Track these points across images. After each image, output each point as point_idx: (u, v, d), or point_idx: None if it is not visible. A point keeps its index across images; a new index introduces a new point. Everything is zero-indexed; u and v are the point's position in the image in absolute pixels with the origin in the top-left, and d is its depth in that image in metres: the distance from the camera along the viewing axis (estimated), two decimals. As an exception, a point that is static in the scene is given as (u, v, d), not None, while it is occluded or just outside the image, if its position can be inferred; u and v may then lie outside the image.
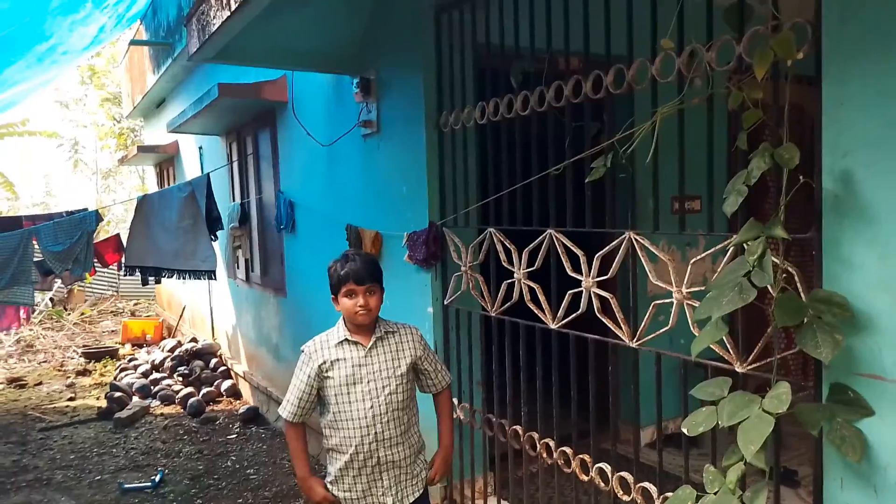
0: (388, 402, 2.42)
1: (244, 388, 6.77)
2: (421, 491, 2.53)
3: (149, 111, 10.47)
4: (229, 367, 7.16)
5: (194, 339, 8.05)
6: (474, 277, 3.18)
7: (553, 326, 2.69)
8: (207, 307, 8.10)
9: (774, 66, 1.75)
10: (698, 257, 2.05)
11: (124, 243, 8.24)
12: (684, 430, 1.85)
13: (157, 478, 4.69)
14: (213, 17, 3.07)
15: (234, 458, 5.13)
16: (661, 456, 2.33)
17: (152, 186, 11.28)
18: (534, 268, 2.79)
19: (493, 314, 3.04)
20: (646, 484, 2.32)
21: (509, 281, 2.91)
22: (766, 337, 1.88)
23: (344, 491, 2.46)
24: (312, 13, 3.55)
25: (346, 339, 2.44)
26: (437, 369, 2.60)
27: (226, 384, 6.88)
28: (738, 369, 1.95)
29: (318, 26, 3.70)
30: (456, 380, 3.28)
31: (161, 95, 9.24)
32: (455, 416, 3.13)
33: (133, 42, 8.02)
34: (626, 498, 2.39)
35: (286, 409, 2.47)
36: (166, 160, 9.62)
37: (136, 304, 14.30)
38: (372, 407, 2.40)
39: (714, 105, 2.06)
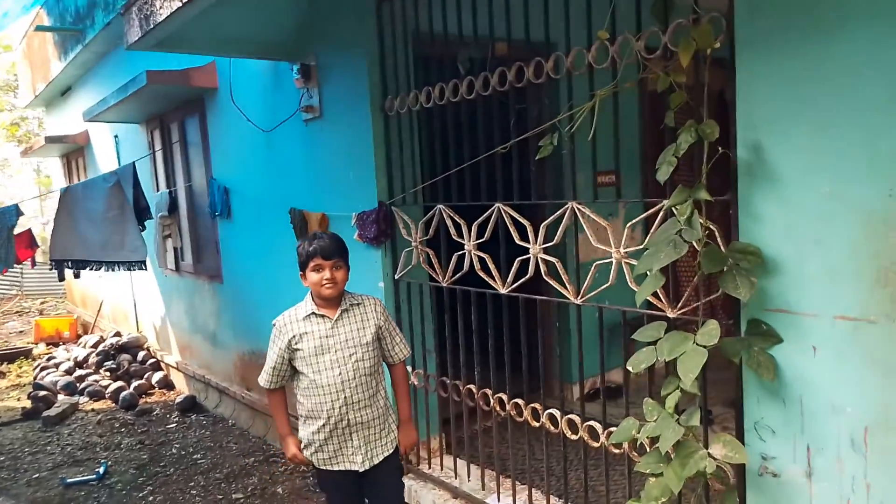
0: (356, 369, 2.61)
1: (178, 379, 6.71)
2: (391, 451, 2.74)
3: (52, 100, 9.97)
4: (159, 358, 7.06)
5: (118, 334, 7.84)
6: (425, 252, 3.40)
7: (503, 291, 2.96)
8: (130, 300, 7.90)
9: (696, 54, 2.06)
10: (636, 220, 2.36)
11: (37, 239, 7.93)
12: (629, 368, 2.15)
13: (102, 470, 4.65)
14: (160, 7, 3.11)
15: (177, 445, 5.14)
16: (604, 397, 2.65)
17: (57, 180, 10.74)
18: (483, 239, 3.04)
19: (445, 284, 3.27)
20: (592, 423, 2.64)
21: (460, 253, 3.15)
22: (692, 285, 2.22)
23: (316, 451, 2.65)
24: (254, 1, 3.63)
25: (314, 313, 2.62)
26: (397, 341, 2.81)
27: (157, 376, 6.79)
28: (671, 315, 2.28)
29: (258, 13, 3.78)
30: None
31: (67, 83, 8.83)
32: (409, 382, 3.35)
33: (40, 28, 7.63)
34: (574, 437, 2.70)
35: (263, 379, 2.66)
36: (75, 151, 9.21)
37: (43, 303, 13.57)
38: (340, 374, 2.59)
39: (625, 91, 2.35)
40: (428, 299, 3.57)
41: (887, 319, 1.73)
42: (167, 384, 6.76)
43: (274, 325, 2.65)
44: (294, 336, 2.59)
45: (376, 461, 2.68)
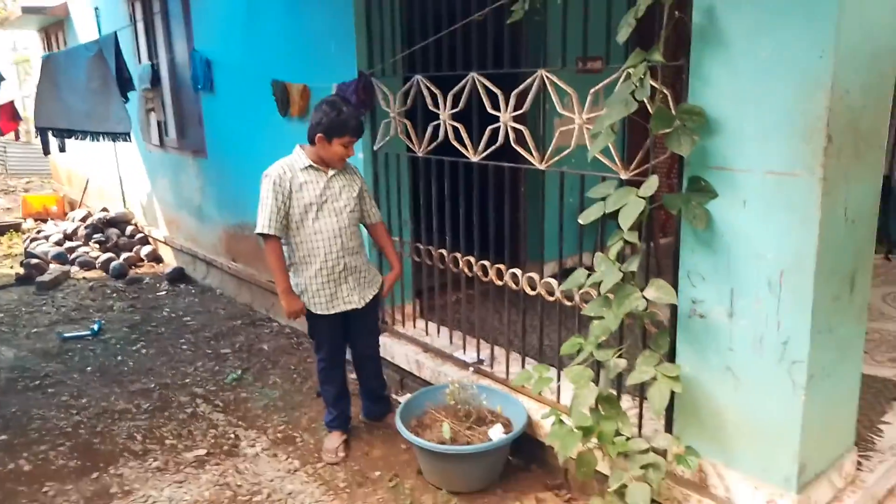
0: (350, 218, 2.91)
1: (166, 252, 6.93)
2: (376, 292, 3.09)
3: (26, -33, 9.56)
4: (147, 233, 7.25)
5: (105, 210, 7.98)
6: (402, 122, 3.53)
7: (475, 160, 3.12)
8: (116, 177, 7.99)
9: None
10: (598, 86, 2.50)
11: (20, 111, 7.89)
12: (580, 221, 2.35)
13: (96, 327, 4.94)
14: None
15: (168, 309, 5.42)
16: (560, 241, 2.88)
17: (36, 58, 10.48)
18: (457, 109, 3.17)
19: (421, 154, 3.42)
20: (549, 279, 2.88)
21: (435, 123, 3.28)
22: (643, 148, 2.39)
23: (312, 297, 2.92)
24: None
25: (311, 166, 2.83)
26: (373, 203, 3.10)
27: (145, 249, 7.00)
28: (623, 176, 2.46)
29: None
30: (386, 217, 3.68)
31: (42, -52, 8.48)
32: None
33: None
34: (532, 292, 2.96)
35: (263, 224, 2.81)
36: (54, 24, 8.97)
37: (28, 182, 13.58)
38: (338, 221, 2.86)
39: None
40: (406, 169, 3.72)
41: (809, 173, 1.92)
42: (156, 257, 6.99)
43: (267, 175, 2.82)
44: (295, 184, 2.80)
45: (367, 299, 3.02)
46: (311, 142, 2.85)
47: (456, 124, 3.20)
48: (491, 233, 3.24)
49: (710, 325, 2.25)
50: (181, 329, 4.94)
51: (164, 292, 5.92)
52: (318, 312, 2.96)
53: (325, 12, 3.83)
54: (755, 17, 1.96)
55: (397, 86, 3.60)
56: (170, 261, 6.85)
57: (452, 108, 3.18)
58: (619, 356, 2.35)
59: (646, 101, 2.13)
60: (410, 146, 3.49)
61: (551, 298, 2.90)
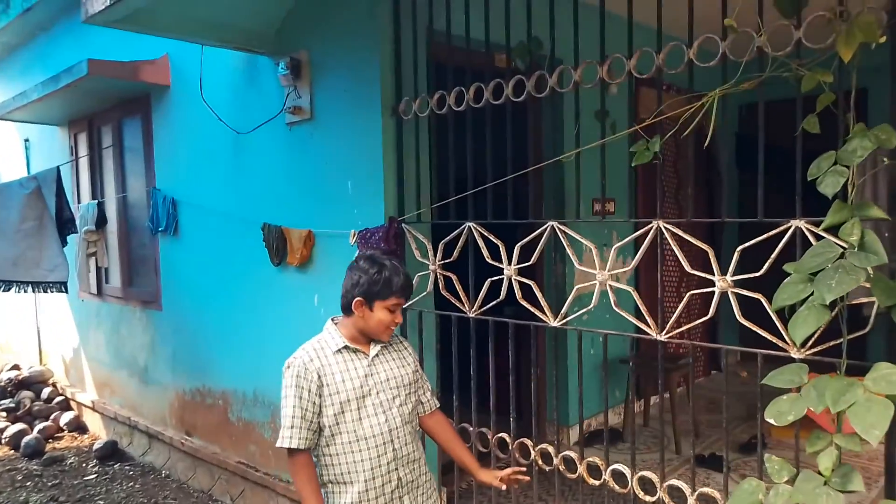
0: (401, 414, 2.14)
1: (93, 421, 5.79)
2: None
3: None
4: (69, 396, 6.09)
5: (16, 367, 6.76)
6: (445, 276, 2.95)
7: (554, 323, 2.55)
8: (33, 328, 6.86)
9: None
10: (625, 240, 2.29)
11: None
12: (770, 420, 1.78)
13: (7, 537, 3.80)
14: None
15: (101, 502, 4.32)
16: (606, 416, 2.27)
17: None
18: (530, 262, 2.64)
19: (473, 315, 2.82)
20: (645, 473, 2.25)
21: (495, 278, 2.72)
22: (824, 323, 1.89)
23: None
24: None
25: (346, 347, 2.10)
26: (428, 385, 2.35)
27: (66, 417, 5.83)
28: (796, 355, 1.94)
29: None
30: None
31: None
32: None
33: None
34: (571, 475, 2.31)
35: (292, 438, 2.01)
36: (-31, 155, 8.05)
37: None
38: (387, 420, 2.09)
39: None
40: (432, 331, 3.12)
41: None
42: (79, 426, 5.82)
43: (289, 365, 2.07)
44: (327, 375, 2.05)
45: None
46: (346, 311, 2.15)
47: (525, 280, 2.65)
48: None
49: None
50: (124, 533, 3.87)
51: (93, 475, 4.79)
52: None
53: (340, 148, 3.31)
54: None
55: (427, 234, 3.08)
56: (97, 431, 5.70)
57: (523, 261, 2.64)
58: None
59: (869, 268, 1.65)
60: (458, 304, 2.89)
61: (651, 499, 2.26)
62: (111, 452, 5.14)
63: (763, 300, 1.95)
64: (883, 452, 1.93)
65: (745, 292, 2.05)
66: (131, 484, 4.59)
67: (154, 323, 4.90)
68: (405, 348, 2.27)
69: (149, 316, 4.95)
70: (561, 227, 2.53)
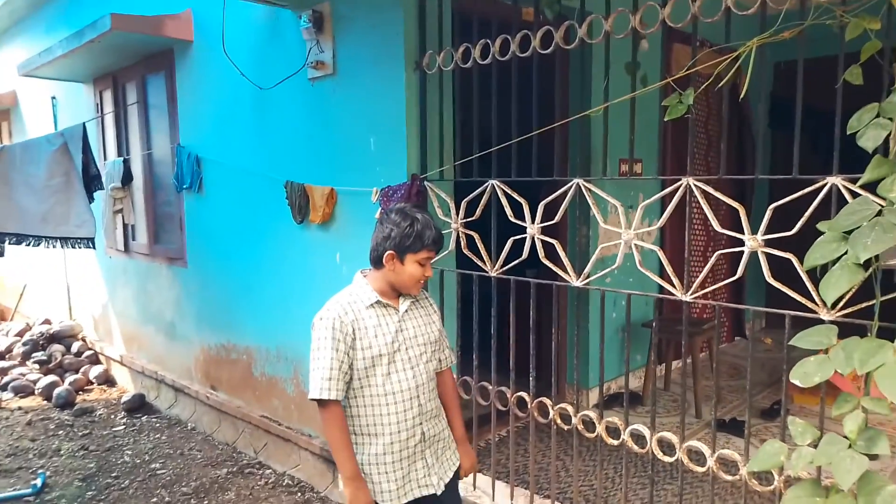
0: (427, 371, 2.15)
1: (121, 374, 5.92)
2: (456, 465, 2.27)
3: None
4: (98, 350, 6.23)
5: (47, 321, 6.92)
6: (467, 235, 2.92)
7: (576, 283, 2.51)
8: (63, 284, 7.00)
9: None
10: (651, 199, 2.09)
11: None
12: (796, 381, 1.74)
13: (39, 482, 3.92)
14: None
15: (130, 452, 4.43)
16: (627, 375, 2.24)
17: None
18: (553, 221, 2.59)
19: (494, 274, 2.80)
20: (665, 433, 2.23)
21: (517, 237, 2.68)
22: (855, 284, 1.82)
23: (379, 481, 2.07)
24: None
25: (379, 301, 2.09)
26: (447, 343, 2.33)
27: (95, 370, 5.97)
28: (825, 317, 1.89)
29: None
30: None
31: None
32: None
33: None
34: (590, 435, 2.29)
35: (323, 389, 1.99)
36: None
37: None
38: (414, 377, 2.09)
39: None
40: (453, 289, 3.10)
41: None
42: (108, 380, 5.96)
43: (321, 318, 2.05)
44: (360, 329, 2.04)
45: (447, 479, 2.20)
46: (377, 264, 2.14)
47: (548, 239, 2.61)
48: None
49: None
50: (150, 482, 3.97)
51: (121, 427, 4.92)
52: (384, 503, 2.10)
53: (364, 103, 3.27)
54: None
55: (449, 192, 3.05)
56: (125, 384, 5.84)
57: (547, 220, 2.59)
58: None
59: (908, 224, 1.58)
60: (479, 263, 2.86)
61: (670, 458, 2.24)
62: (139, 405, 5.27)
63: (794, 260, 1.89)
64: (912, 417, 1.88)
65: (775, 251, 1.99)
66: (158, 436, 4.70)
67: (180, 280, 4.96)
68: (430, 305, 2.25)
69: (174, 273, 5.01)
70: (587, 184, 2.48)
